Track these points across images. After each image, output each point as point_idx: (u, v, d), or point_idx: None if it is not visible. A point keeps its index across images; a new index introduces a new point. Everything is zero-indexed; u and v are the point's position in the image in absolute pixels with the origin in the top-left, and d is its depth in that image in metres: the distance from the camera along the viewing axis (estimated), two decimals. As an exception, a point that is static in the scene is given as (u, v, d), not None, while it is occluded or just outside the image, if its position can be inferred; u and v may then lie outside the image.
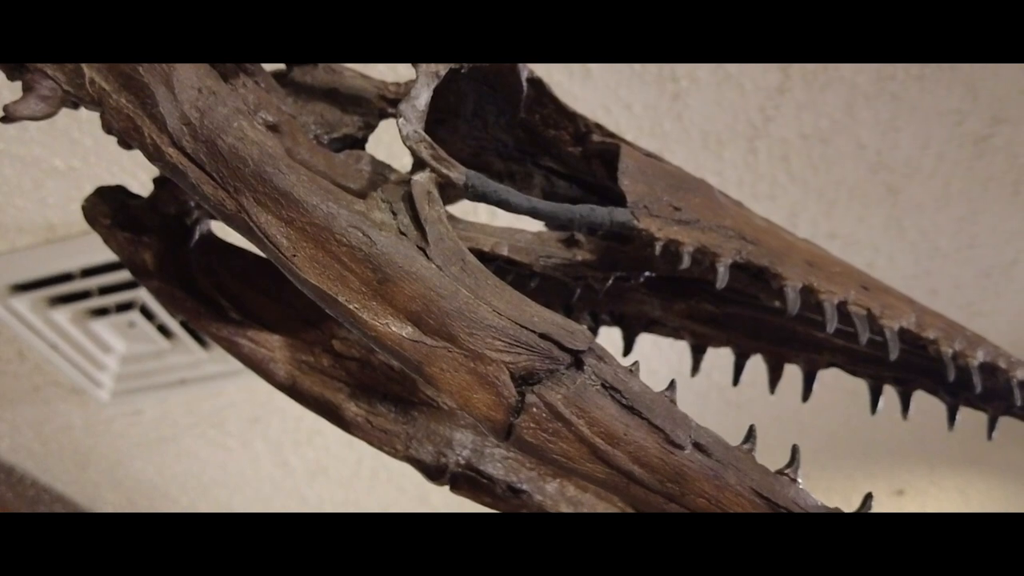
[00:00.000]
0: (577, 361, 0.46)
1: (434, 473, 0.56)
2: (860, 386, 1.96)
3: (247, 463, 2.23)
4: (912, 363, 0.68)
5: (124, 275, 1.59)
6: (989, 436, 0.69)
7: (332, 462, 2.30)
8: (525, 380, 0.45)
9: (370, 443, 0.57)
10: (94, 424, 2.05)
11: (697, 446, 0.47)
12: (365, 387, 0.57)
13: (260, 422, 2.09)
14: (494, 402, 0.44)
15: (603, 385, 0.46)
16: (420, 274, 0.44)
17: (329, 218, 0.43)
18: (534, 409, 0.44)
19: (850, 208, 1.56)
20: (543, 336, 0.45)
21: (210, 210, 0.43)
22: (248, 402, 2.01)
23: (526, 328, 0.45)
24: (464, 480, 0.56)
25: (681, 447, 0.46)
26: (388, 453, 0.56)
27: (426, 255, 0.45)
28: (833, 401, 2.01)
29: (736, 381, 0.67)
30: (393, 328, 0.43)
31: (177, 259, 0.57)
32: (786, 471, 0.49)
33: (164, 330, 1.72)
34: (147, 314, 1.67)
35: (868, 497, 0.52)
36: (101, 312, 1.66)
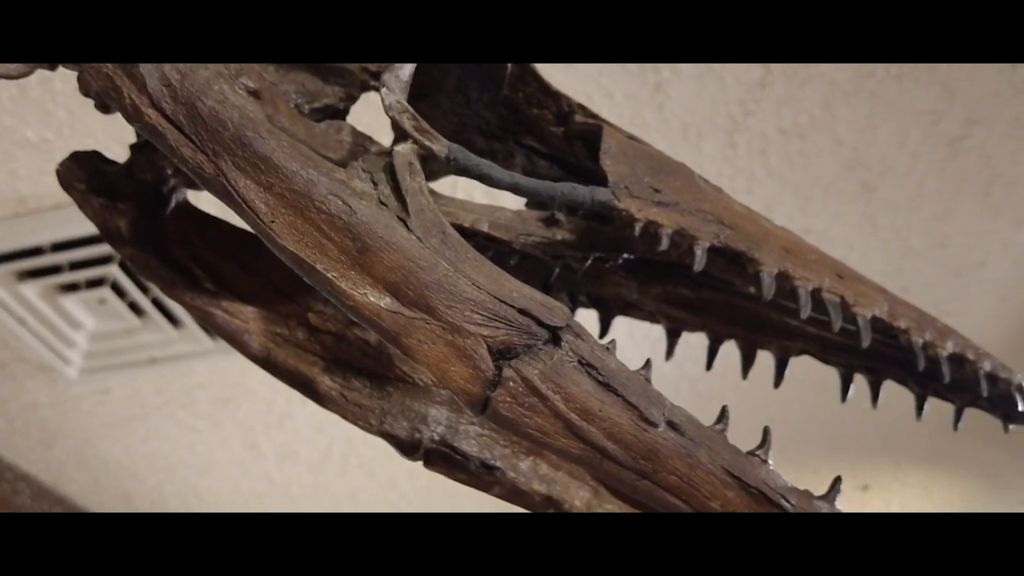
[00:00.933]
0: (555, 337, 0.46)
1: (408, 448, 0.56)
2: (827, 381, 1.98)
3: (216, 445, 2.21)
4: (883, 353, 0.69)
5: (95, 250, 1.57)
6: (955, 427, 0.70)
7: (302, 446, 2.29)
8: (503, 354, 0.45)
9: (344, 417, 0.56)
10: (61, 402, 2.02)
11: (670, 424, 0.47)
12: (340, 361, 0.57)
13: (230, 404, 2.08)
14: (471, 375, 0.44)
15: (580, 362, 0.46)
16: (400, 245, 0.44)
17: (309, 185, 0.43)
18: (511, 383, 0.44)
19: (826, 204, 1.57)
20: (522, 311, 0.45)
21: (188, 173, 0.43)
22: (218, 383, 2.00)
23: (505, 303, 0.45)
24: (438, 456, 0.56)
25: (655, 425, 0.46)
26: (362, 428, 0.56)
27: (406, 226, 0.44)
28: (801, 396, 2.03)
29: (709, 366, 0.68)
30: (371, 298, 0.43)
31: (152, 227, 0.56)
32: (757, 452, 0.50)
33: (135, 307, 1.70)
34: (118, 291, 1.65)
35: (837, 480, 0.52)
36: (71, 288, 1.64)
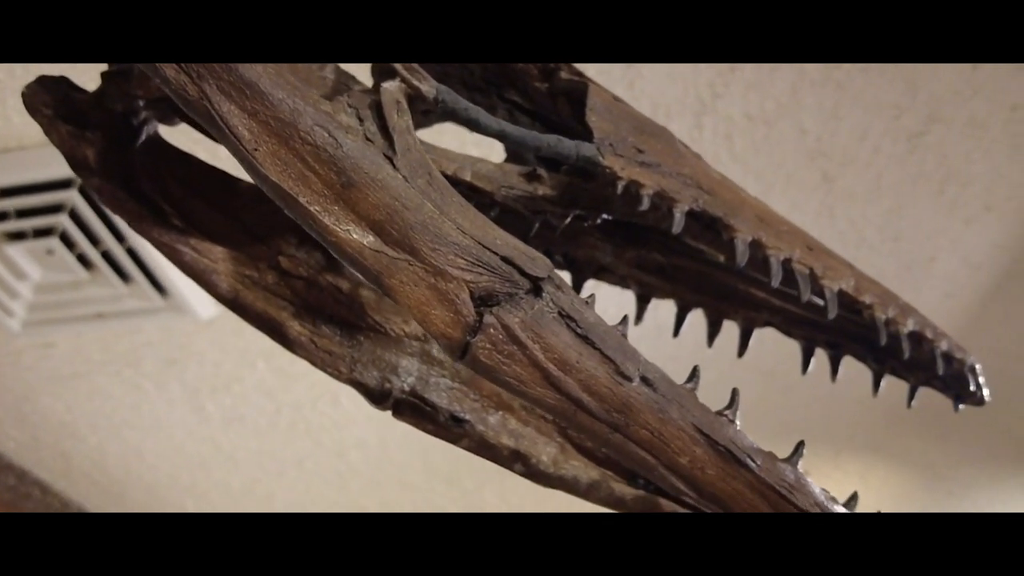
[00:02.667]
0: (536, 287, 0.46)
1: (378, 397, 0.55)
2: (774, 367, 2.02)
3: (161, 406, 2.17)
4: (845, 328, 0.71)
5: (45, 198, 1.52)
6: (908, 404, 0.72)
7: (249, 411, 2.26)
8: (484, 301, 0.44)
9: (313, 363, 0.56)
10: (2, 355, 1.96)
11: (644, 380, 0.48)
12: (311, 307, 0.56)
13: (177, 364, 2.04)
14: (452, 320, 0.44)
15: (559, 313, 0.46)
16: (386, 183, 0.43)
17: (295, 114, 0.41)
18: (491, 330, 0.44)
19: (786, 192, 1.60)
20: (505, 259, 0.45)
21: (171, 95, 0.41)
22: (167, 343, 1.96)
23: (489, 249, 0.45)
24: (407, 407, 0.55)
25: (629, 379, 0.47)
26: (332, 375, 0.55)
27: (392, 164, 0.44)
28: (746, 382, 2.07)
29: (676, 333, 0.68)
30: (354, 236, 0.42)
31: (121, 159, 0.54)
32: (725, 412, 0.51)
33: (84, 260, 1.65)
34: (67, 242, 1.60)
35: (800, 445, 0.53)
36: (17, 236, 1.58)
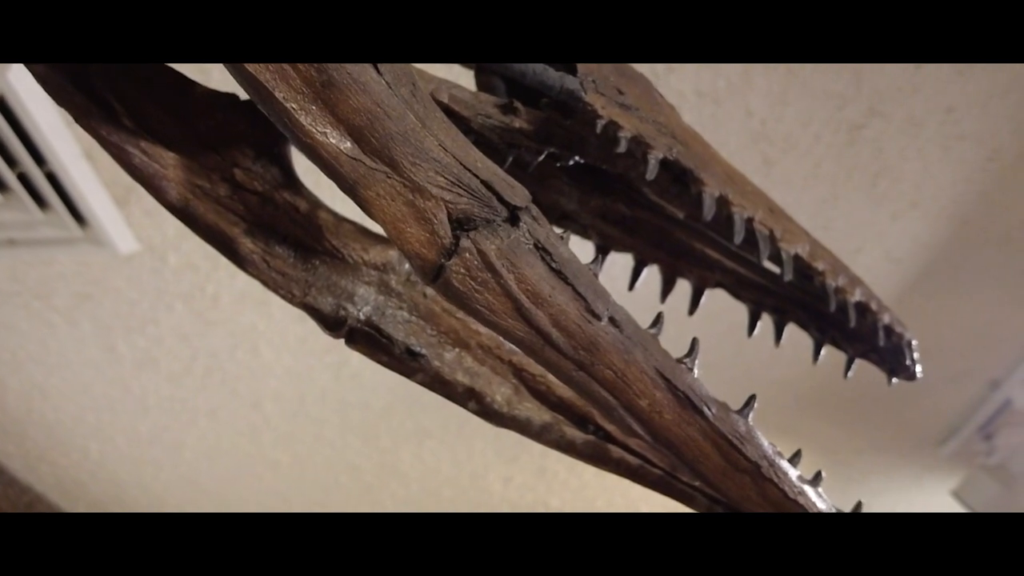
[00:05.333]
0: (513, 216, 0.44)
1: (332, 324, 0.53)
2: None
3: (70, 343, 2.07)
4: (792, 295, 0.72)
5: (-43, 109, 1.41)
6: (845, 375, 0.74)
7: (163, 355, 2.18)
8: (461, 224, 0.43)
9: (265, 284, 0.53)
10: None
11: (612, 320, 0.47)
12: (264, 225, 0.53)
13: (91, 300, 1.94)
14: (428, 240, 0.42)
15: (535, 245, 0.45)
16: (369, 86, 0.40)
17: (278, 4, 0.39)
18: (467, 255, 0.42)
19: (727, 172, 1.62)
20: (485, 183, 0.43)
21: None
22: (81, 276, 1.86)
23: (469, 171, 0.43)
24: (362, 336, 0.53)
25: (599, 318, 0.46)
26: (284, 298, 0.53)
27: (376, 68, 0.41)
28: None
29: (632, 287, 0.68)
30: (331, 139, 0.40)
31: (70, 47, 0.50)
32: (685, 360, 0.51)
33: (-3, 180, 1.55)
34: (-21, 159, 1.50)
35: (752, 398, 0.54)
36: (-77, 147, 1.47)
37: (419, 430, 2.49)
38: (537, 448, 2.55)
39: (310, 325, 2.08)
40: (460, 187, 0.42)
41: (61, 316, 1.98)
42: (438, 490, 2.71)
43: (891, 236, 1.73)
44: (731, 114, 1.50)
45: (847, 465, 2.57)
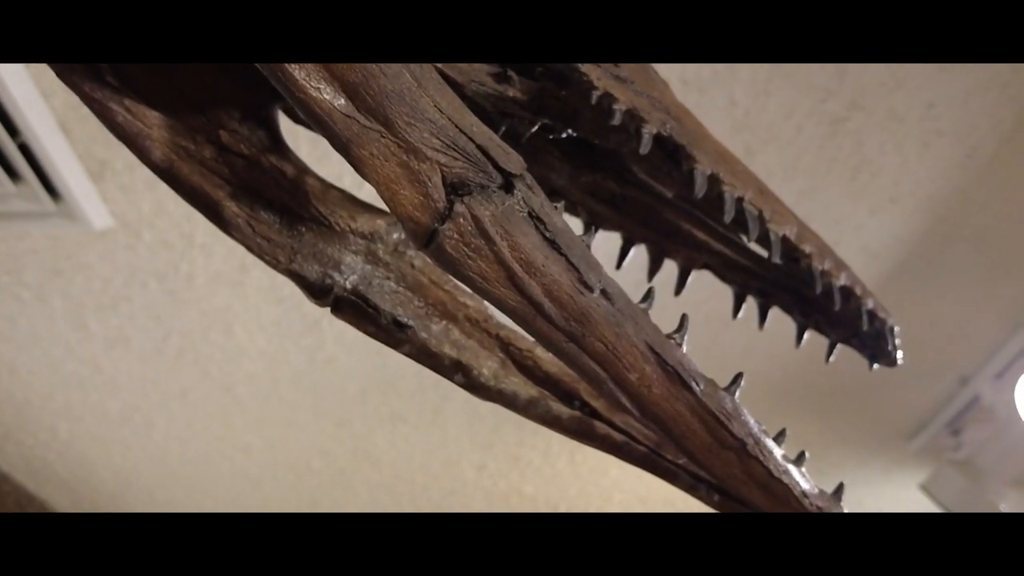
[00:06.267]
0: (508, 183, 0.44)
1: (317, 292, 0.52)
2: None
3: (40, 320, 2.03)
4: (778, 278, 0.72)
5: (-73, 74, 1.38)
6: (827, 360, 0.74)
7: (136, 333, 2.15)
8: (455, 189, 0.42)
9: (250, 249, 0.52)
10: None
11: (604, 293, 0.47)
12: (250, 189, 0.52)
13: (62, 276, 1.91)
14: (421, 203, 0.41)
15: (529, 213, 0.44)
16: (365, 43, 0.40)
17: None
18: (461, 220, 0.42)
19: (709, 162, 1.62)
20: (480, 148, 0.43)
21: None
22: (53, 252, 1.83)
23: (465, 134, 0.42)
24: (348, 305, 0.52)
25: (591, 289, 0.46)
26: (269, 264, 0.52)
27: (373, 26, 0.40)
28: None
29: (619, 265, 0.68)
30: (326, 96, 0.39)
31: None
32: (674, 336, 0.50)
33: (-33, 150, 1.51)
34: (-51, 128, 1.46)
35: (739, 376, 0.54)
36: None
37: (393, 416, 2.48)
38: (511, 436, 2.55)
39: (285, 307, 2.06)
40: (455, 150, 0.42)
41: (31, 292, 1.94)
42: (411, 476, 2.71)
43: (869, 230, 1.75)
44: (715, 103, 1.50)
45: (818, 458, 2.60)
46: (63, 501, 2.91)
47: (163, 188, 1.63)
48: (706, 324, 1.76)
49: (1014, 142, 1.57)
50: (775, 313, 0.73)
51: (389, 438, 2.59)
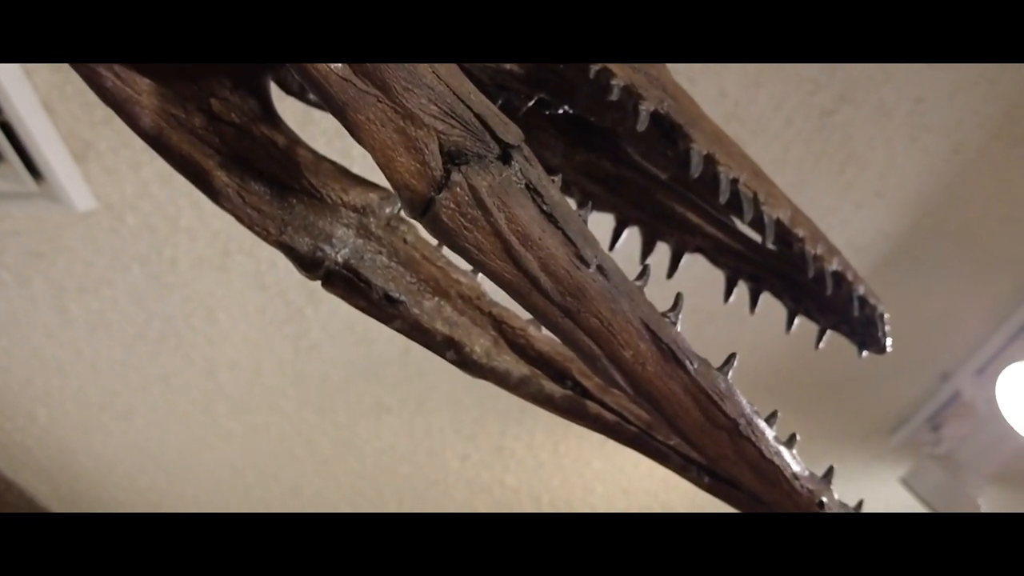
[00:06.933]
0: (505, 154, 0.43)
1: (308, 265, 0.51)
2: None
3: (20, 302, 2.01)
4: (769, 264, 0.72)
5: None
6: (816, 346, 0.75)
7: (117, 318, 2.12)
8: (452, 158, 0.41)
9: (240, 219, 0.51)
10: None
11: (600, 268, 0.46)
12: (240, 159, 0.51)
13: (44, 259, 1.88)
14: (418, 170, 0.41)
15: (527, 186, 0.44)
16: (363, 6, 0.39)
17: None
18: (458, 189, 0.41)
19: (698, 153, 1.62)
20: (479, 117, 0.42)
21: None
22: (35, 233, 1.80)
23: (463, 102, 0.42)
24: (340, 279, 0.52)
25: (587, 264, 0.45)
26: (259, 235, 0.51)
27: (371, -11, 0.40)
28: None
29: (611, 247, 0.68)
30: (322, 58, 0.39)
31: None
32: (668, 314, 0.50)
33: (-53, 128, 1.48)
34: (-72, 104, 1.43)
35: (732, 356, 0.54)
36: None
37: (377, 405, 2.47)
38: (495, 427, 2.55)
39: (269, 294, 2.05)
40: (453, 118, 0.41)
41: (11, 274, 1.92)
42: (394, 466, 2.70)
43: (855, 225, 1.75)
44: (705, 93, 1.50)
45: (800, 451, 2.61)
46: (42, 487, 2.88)
47: (148, 170, 1.62)
48: (691, 316, 1.77)
49: (1000, 138, 1.58)
50: (759, 305, 0.73)
51: (372, 427, 2.58)
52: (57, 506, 2.95)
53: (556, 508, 2.79)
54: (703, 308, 1.55)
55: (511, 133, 0.43)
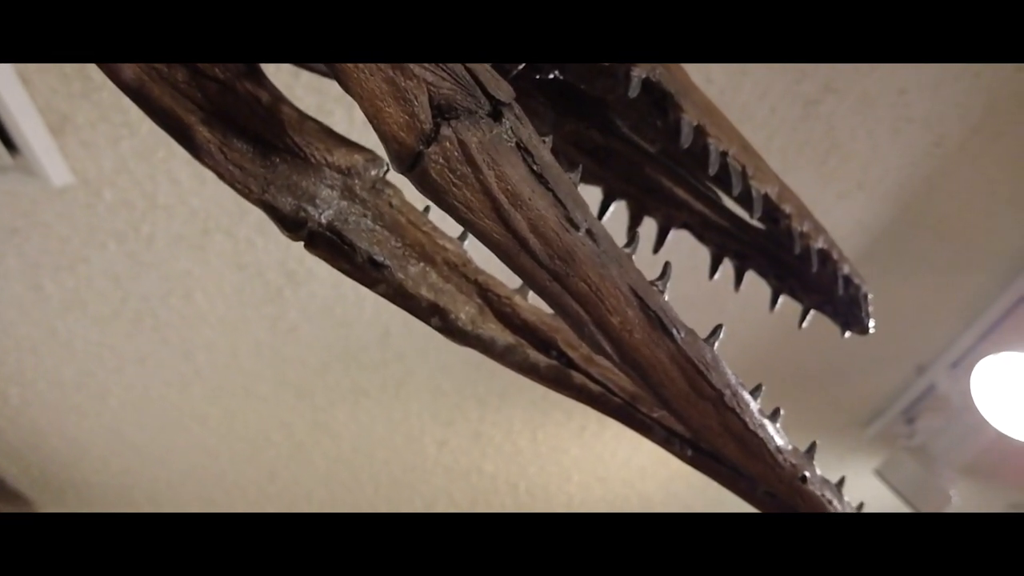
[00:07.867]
0: (496, 111, 0.42)
1: (291, 225, 0.50)
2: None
3: (-8, 278, 1.97)
4: (755, 242, 0.72)
5: None
6: (800, 326, 0.75)
7: (92, 297, 2.09)
8: (442, 111, 0.41)
9: (221, 177, 0.50)
10: None
11: (589, 232, 0.46)
12: (222, 115, 0.50)
13: (19, 234, 1.85)
14: (407, 123, 0.40)
15: (517, 144, 0.43)
16: (354, -48, 0.38)
17: None
18: (447, 143, 0.40)
19: (683, 140, 1.62)
20: (470, 71, 0.41)
21: None
22: (9, 208, 1.77)
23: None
24: (323, 241, 0.51)
25: (577, 228, 0.45)
26: (241, 193, 0.50)
27: (363, -65, 0.39)
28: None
29: (599, 219, 0.67)
30: (311, 4, 0.38)
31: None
32: (656, 283, 0.50)
33: (-81, 95, 1.45)
34: (-100, 70, 1.40)
35: (718, 328, 0.53)
36: None
37: (355, 389, 2.46)
38: (474, 413, 2.54)
39: (248, 274, 2.02)
40: (444, 71, 0.40)
41: (-17, 249, 1.88)
42: (372, 451, 2.69)
43: (836, 215, 1.76)
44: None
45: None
46: (12, 469, 2.84)
47: (126, 145, 1.59)
48: (672, 303, 1.77)
49: (982, 132, 1.59)
50: (743, 286, 0.73)
51: (350, 411, 2.56)
52: (28, 489, 2.91)
53: (533, 495, 2.79)
54: (682, 296, 1.55)
55: (503, 90, 0.42)
